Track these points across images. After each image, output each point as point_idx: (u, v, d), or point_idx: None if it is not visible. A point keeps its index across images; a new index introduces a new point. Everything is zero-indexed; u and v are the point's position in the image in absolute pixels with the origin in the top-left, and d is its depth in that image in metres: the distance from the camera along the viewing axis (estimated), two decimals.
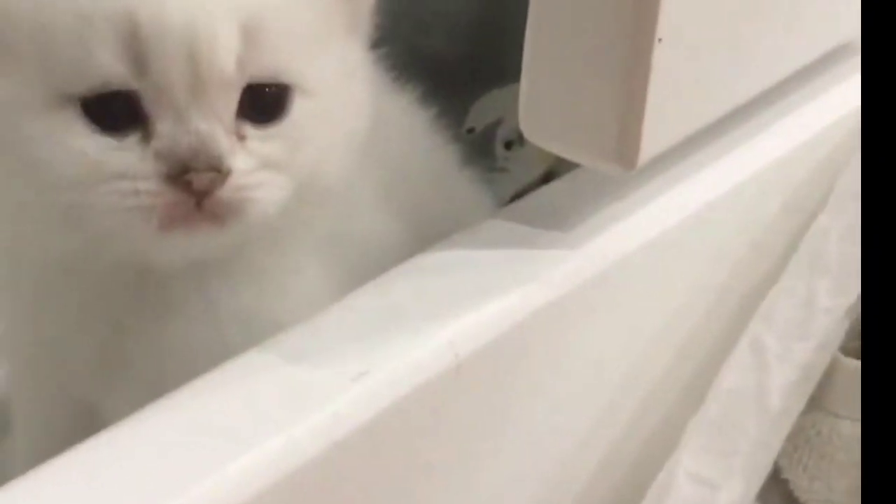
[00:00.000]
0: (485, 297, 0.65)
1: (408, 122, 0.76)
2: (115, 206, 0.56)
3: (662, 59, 0.63)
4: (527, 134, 0.69)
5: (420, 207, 0.73)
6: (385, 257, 0.68)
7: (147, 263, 0.60)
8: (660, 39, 0.63)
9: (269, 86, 0.60)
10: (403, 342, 0.62)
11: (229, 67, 0.58)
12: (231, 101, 0.58)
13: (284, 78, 0.60)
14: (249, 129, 0.59)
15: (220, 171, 0.57)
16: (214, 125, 0.57)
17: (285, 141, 0.59)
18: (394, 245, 0.70)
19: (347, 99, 0.64)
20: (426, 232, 0.71)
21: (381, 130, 0.68)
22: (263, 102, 0.60)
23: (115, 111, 0.57)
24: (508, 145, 0.99)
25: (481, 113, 0.99)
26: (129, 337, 0.63)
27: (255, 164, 0.58)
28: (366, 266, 0.67)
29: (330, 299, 0.64)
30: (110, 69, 0.56)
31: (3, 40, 0.57)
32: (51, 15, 0.56)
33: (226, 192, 0.57)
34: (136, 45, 0.56)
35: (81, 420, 0.65)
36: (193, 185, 0.57)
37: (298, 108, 0.60)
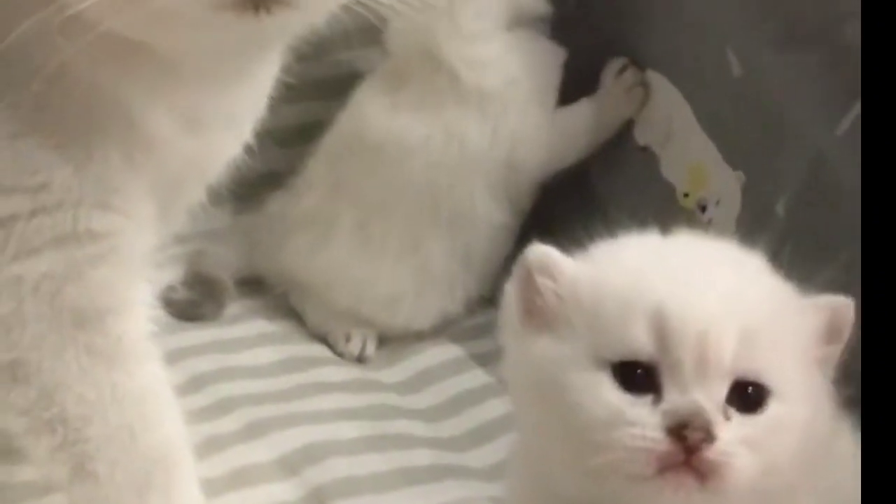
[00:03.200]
0: None
1: (852, 451, 0.84)
2: (626, 445, 0.71)
3: None
4: None
5: None
6: None
7: None
8: None
9: (754, 385, 0.74)
10: None
11: (727, 361, 0.73)
12: (723, 387, 0.73)
13: (766, 380, 0.74)
14: (734, 413, 0.73)
15: (709, 434, 0.71)
16: (709, 402, 0.72)
17: (761, 431, 0.73)
18: None
19: (813, 420, 0.76)
20: None
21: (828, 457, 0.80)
22: (747, 397, 0.74)
23: (637, 377, 0.73)
24: None
25: None
26: None
27: (735, 439, 0.72)
28: None
29: None
30: (640, 345, 0.73)
31: (568, 315, 0.75)
32: (603, 302, 0.74)
33: (711, 453, 0.71)
34: (661, 331, 0.73)
35: None
36: (688, 439, 0.71)
37: (773, 409, 0.74)
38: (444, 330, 1.35)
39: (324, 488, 1.13)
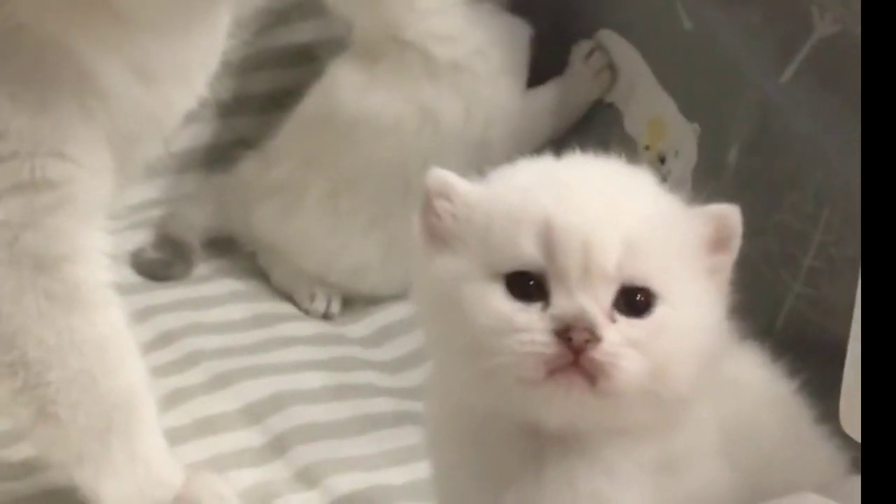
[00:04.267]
0: None
1: (760, 381, 0.87)
2: (515, 350, 0.74)
3: None
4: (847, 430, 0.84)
5: (763, 464, 0.82)
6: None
7: (533, 422, 0.78)
8: None
9: (641, 290, 0.76)
10: None
11: (610, 267, 0.75)
12: (609, 292, 0.75)
13: (652, 286, 0.76)
14: (620, 317, 0.75)
15: (594, 334, 0.73)
16: (594, 305, 0.74)
17: (647, 332, 0.75)
18: (723, 495, 0.80)
19: (702, 325, 0.77)
20: (765, 488, 0.80)
21: (731, 386, 0.82)
22: (634, 302, 0.76)
23: (527, 287, 0.75)
24: None
25: None
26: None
27: (621, 341, 0.74)
28: None
29: None
30: (528, 255, 0.75)
31: (462, 234, 0.78)
32: (494, 218, 0.77)
33: (597, 353, 0.73)
34: (547, 240, 0.75)
35: None
36: (573, 341, 0.73)
37: (661, 313, 0.76)
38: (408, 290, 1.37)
39: (287, 435, 1.16)
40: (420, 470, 1.11)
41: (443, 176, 0.80)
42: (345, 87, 1.34)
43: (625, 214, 0.77)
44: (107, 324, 0.99)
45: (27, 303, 0.95)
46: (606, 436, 0.78)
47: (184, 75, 1.00)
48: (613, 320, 0.75)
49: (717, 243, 0.80)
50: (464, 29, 1.33)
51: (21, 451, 1.11)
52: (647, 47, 1.30)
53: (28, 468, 1.10)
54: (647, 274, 0.76)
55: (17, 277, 0.95)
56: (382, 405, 1.21)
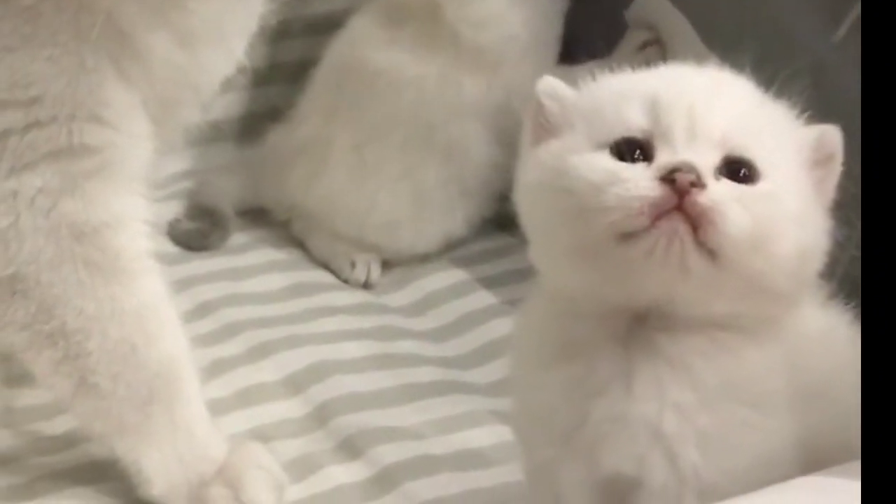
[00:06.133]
0: None
1: (845, 341, 0.84)
2: (620, 197, 0.73)
3: None
4: None
5: (832, 424, 0.80)
6: (761, 451, 0.78)
7: (632, 298, 0.77)
8: None
9: (744, 163, 0.76)
10: None
11: (715, 131, 0.76)
12: (713, 156, 0.76)
13: (755, 162, 0.76)
14: (725, 180, 0.75)
15: (699, 178, 0.73)
16: (700, 161, 0.74)
17: (752, 196, 0.75)
18: (773, 443, 0.79)
19: (804, 215, 0.78)
20: (826, 452, 0.79)
21: (815, 342, 0.81)
22: (738, 175, 0.76)
23: (632, 150, 0.76)
24: None
25: None
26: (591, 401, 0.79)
27: (727, 193, 0.74)
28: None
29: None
30: (634, 121, 0.77)
31: (569, 120, 0.80)
32: (601, 98, 0.80)
33: (702, 197, 0.73)
34: (654, 106, 0.77)
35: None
36: (678, 182, 0.73)
37: (765, 186, 0.76)
38: (449, 255, 1.36)
39: (329, 405, 1.14)
40: (464, 439, 1.11)
41: (553, 81, 0.83)
42: (366, 41, 1.34)
43: (729, 92, 0.80)
44: (147, 292, 0.98)
45: (66, 272, 0.94)
46: (694, 342, 0.78)
47: (223, 40, 0.98)
48: (718, 179, 0.75)
49: (818, 163, 0.81)
50: (499, 14, 1.31)
51: (61, 424, 1.10)
52: (692, 8, 1.27)
53: (68, 441, 1.09)
54: (751, 149, 0.77)
55: (56, 246, 0.93)
56: (425, 374, 1.20)
